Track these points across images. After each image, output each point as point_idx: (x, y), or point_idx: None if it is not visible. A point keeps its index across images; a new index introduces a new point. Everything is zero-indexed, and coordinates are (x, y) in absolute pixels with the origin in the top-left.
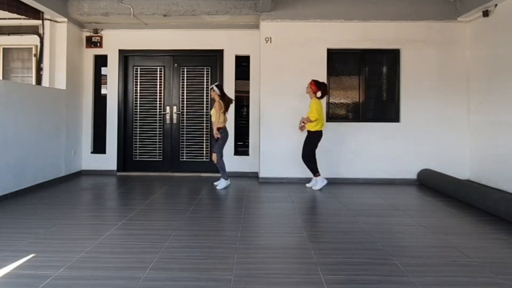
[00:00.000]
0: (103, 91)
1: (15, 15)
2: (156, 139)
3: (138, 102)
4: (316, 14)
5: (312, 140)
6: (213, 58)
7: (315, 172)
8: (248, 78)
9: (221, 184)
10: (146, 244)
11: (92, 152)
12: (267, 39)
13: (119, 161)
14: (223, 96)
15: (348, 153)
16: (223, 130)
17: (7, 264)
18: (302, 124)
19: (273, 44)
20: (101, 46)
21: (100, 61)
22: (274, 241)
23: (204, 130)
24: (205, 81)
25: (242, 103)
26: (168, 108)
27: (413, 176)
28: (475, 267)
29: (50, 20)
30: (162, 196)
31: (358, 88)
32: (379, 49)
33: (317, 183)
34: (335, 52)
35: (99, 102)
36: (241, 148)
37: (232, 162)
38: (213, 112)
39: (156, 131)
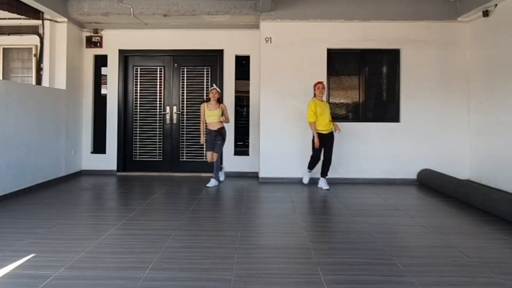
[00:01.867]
0: (103, 91)
1: (15, 15)
2: (156, 139)
3: (138, 102)
4: (316, 14)
5: (313, 141)
6: (213, 58)
7: (309, 167)
8: (248, 78)
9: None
10: (146, 244)
11: (92, 152)
12: (267, 39)
13: (119, 161)
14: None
15: (348, 153)
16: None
17: (7, 264)
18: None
19: (273, 44)
20: (101, 46)
21: (100, 61)
22: (274, 241)
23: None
24: (205, 81)
25: (242, 103)
26: (168, 108)
27: (413, 176)
28: (475, 267)
29: (50, 20)
30: (162, 196)
31: (358, 88)
32: (379, 49)
33: (304, 176)
34: (335, 52)
35: (99, 102)
36: (241, 148)
37: (232, 162)
38: (218, 113)
39: (156, 131)
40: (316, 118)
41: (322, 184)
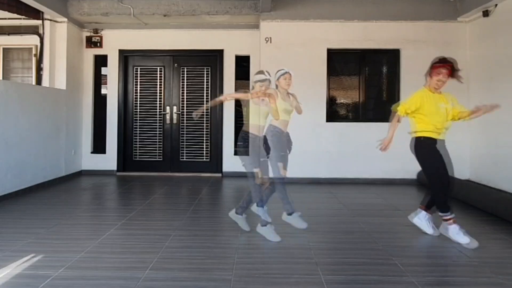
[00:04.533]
0: (103, 91)
1: (15, 15)
2: (156, 139)
3: (138, 102)
4: (316, 14)
5: (420, 153)
6: (213, 58)
7: (441, 208)
8: (248, 78)
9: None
10: (146, 244)
11: (92, 152)
12: (267, 39)
13: (119, 161)
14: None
15: (348, 153)
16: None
17: (7, 264)
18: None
19: (273, 44)
20: (101, 46)
21: (100, 61)
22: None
23: (204, 130)
24: (205, 81)
25: (242, 103)
26: (168, 108)
27: (413, 176)
28: (475, 267)
29: (50, 20)
30: (162, 196)
31: (358, 88)
32: (379, 49)
33: (425, 224)
34: (335, 52)
35: (99, 102)
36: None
37: (232, 162)
38: (292, 107)
39: (156, 131)
40: (423, 118)
41: (455, 233)
